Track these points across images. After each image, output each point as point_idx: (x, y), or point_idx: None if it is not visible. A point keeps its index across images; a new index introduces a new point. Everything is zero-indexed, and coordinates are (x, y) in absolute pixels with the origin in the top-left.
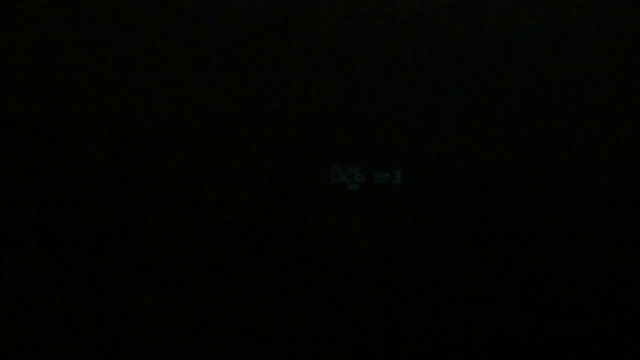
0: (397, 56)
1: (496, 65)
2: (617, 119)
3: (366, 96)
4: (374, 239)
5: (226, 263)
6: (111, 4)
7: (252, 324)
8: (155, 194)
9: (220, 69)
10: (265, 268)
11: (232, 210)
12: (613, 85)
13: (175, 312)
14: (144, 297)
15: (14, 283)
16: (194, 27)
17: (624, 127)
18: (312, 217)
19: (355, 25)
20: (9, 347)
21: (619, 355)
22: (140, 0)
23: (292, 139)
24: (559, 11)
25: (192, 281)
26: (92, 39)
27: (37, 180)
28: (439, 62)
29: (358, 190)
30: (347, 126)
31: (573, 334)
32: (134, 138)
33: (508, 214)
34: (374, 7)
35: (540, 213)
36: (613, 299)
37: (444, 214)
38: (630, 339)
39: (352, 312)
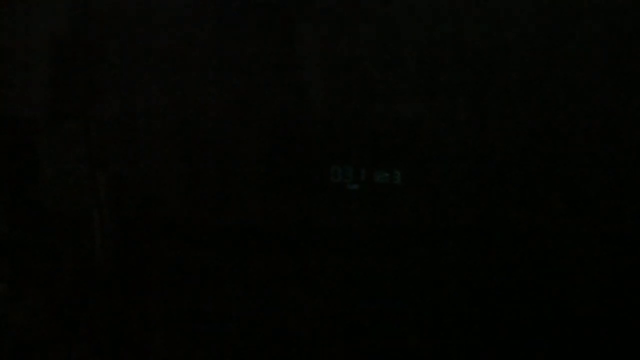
0: (397, 56)
1: (496, 65)
2: (617, 119)
3: (366, 96)
4: (374, 238)
5: (227, 262)
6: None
7: (252, 322)
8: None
9: (221, 69)
10: (265, 267)
11: (233, 209)
12: (613, 85)
13: (175, 311)
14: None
15: None
16: (193, 26)
17: (624, 127)
18: (312, 217)
19: (355, 25)
20: None
21: (619, 355)
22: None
23: (293, 139)
24: (559, 11)
25: (192, 279)
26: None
27: None
28: (439, 62)
29: (358, 190)
30: (347, 126)
31: (572, 334)
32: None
33: (508, 213)
34: (374, 7)
35: (539, 212)
36: (613, 298)
37: (444, 214)
38: (631, 338)
39: (352, 311)
